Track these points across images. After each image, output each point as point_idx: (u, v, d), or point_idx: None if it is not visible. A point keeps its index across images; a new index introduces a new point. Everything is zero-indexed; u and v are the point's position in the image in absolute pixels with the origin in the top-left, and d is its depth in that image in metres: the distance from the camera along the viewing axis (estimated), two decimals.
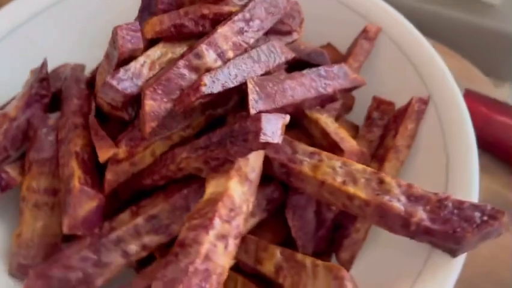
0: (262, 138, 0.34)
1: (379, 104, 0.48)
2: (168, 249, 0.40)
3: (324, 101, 0.44)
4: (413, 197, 0.36)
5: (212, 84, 0.36)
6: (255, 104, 0.37)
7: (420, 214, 0.35)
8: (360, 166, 0.38)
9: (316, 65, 0.48)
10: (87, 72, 0.54)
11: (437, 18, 0.79)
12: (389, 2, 0.58)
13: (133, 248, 0.38)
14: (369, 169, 0.38)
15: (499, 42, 0.76)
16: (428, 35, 0.54)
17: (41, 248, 0.40)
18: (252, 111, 0.36)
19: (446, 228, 0.34)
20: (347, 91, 0.46)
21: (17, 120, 0.44)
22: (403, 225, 0.35)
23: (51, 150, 0.43)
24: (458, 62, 0.74)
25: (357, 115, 0.52)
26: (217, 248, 0.33)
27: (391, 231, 0.36)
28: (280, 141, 0.35)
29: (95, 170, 0.40)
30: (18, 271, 0.39)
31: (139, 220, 0.38)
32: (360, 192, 0.37)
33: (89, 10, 0.56)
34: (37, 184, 0.42)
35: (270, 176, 0.41)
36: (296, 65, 0.47)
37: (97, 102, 0.41)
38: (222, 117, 0.41)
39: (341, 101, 0.47)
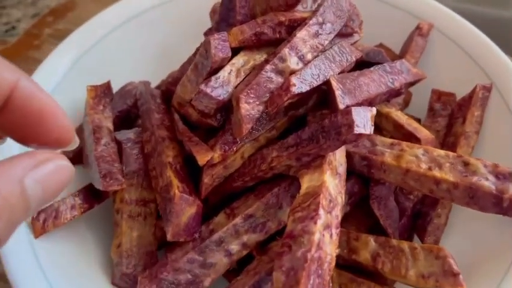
0: (356, 130, 0.36)
1: (439, 95, 0.50)
2: (264, 248, 0.41)
3: (391, 96, 0.46)
4: (501, 175, 0.38)
5: (300, 84, 0.38)
6: (342, 99, 0.39)
7: None
8: (442, 152, 0.40)
9: (376, 63, 0.50)
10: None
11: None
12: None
13: (235, 247, 0.39)
14: (451, 153, 0.40)
15: None
16: None
17: (140, 257, 0.42)
18: (341, 106, 0.39)
19: None
20: (410, 85, 0.48)
21: None
22: (495, 203, 0.37)
23: (137, 163, 0.45)
24: None
25: (413, 110, 0.54)
26: (324, 237, 0.35)
27: (483, 211, 0.38)
28: (372, 132, 0.37)
29: (189, 178, 0.41)
30: (122, 280, 0.41)
31: (238, 220, 0.40)
32: (447, 175, 0.39)
33: (145, 32, 0.59)
34: (129, 196, 0.43)
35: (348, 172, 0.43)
36: (356, 65, 0.49)
37: (183, 112, 0.43)
38: (302, 118, 0.43)
39: (403, 95, 0.49)
